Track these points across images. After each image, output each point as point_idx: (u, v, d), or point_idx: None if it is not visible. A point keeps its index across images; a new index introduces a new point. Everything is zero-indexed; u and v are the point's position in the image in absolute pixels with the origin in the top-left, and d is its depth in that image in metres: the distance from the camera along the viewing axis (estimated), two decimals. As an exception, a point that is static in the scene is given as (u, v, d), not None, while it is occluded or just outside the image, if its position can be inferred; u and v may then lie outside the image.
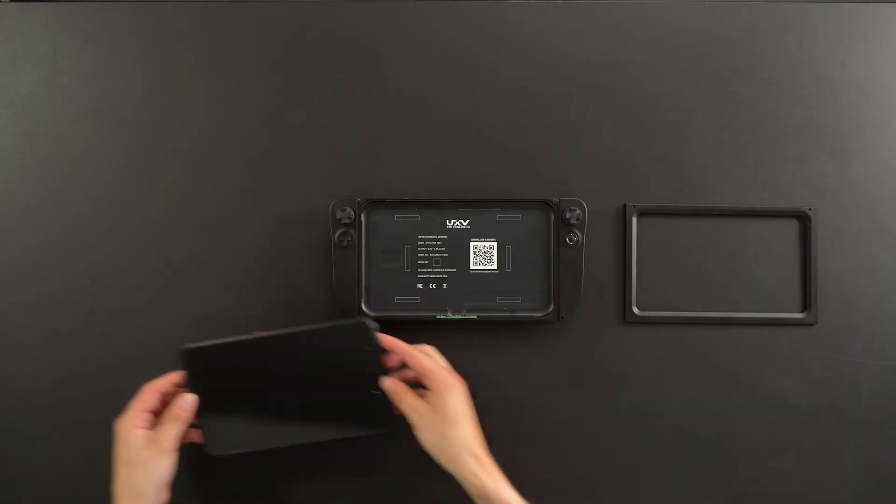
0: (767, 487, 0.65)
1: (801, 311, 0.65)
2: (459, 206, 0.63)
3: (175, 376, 0.58)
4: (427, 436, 0.56)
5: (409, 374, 0.59)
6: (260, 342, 0.58)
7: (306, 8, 0.66)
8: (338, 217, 0.62)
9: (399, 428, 0.58)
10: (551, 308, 0.63)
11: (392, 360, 0.59)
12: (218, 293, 0.64)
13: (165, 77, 0.66)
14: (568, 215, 0.62)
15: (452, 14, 0.66)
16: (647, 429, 0.65)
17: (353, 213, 0.62)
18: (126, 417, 0.56)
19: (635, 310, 0.65)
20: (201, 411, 0.58)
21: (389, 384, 0.58)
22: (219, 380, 0.58)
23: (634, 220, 0.65)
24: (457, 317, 0.63)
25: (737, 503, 0.65)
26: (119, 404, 0.64)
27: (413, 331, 0.64)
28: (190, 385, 0.58)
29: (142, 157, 0.65)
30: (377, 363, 0.58)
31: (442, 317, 0.63)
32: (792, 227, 0.66)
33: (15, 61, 0.65)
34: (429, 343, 0.64)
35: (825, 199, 0.66)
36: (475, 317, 0.63)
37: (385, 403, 0.58)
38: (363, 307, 0.62)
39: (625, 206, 0.65)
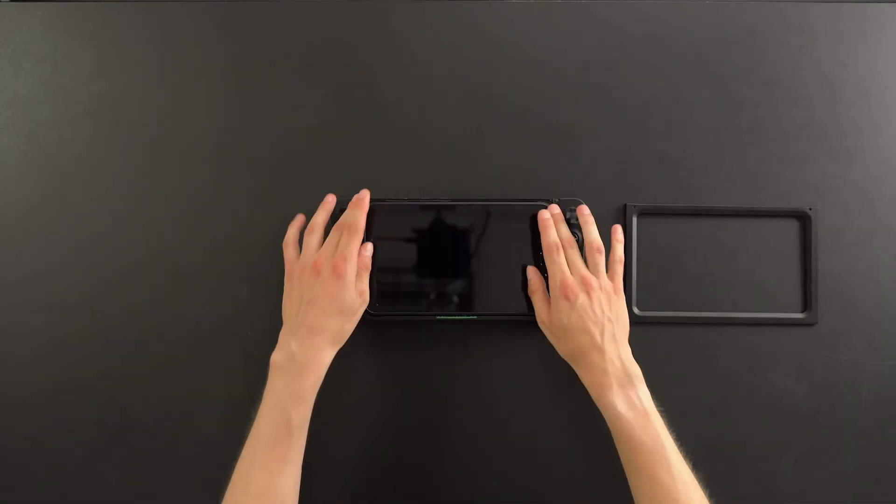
0: (767, 487, 0.65)
1: (801, 311, 0.65)
2: (459, 206, 0.63)
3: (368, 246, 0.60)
4: (546, 334, 0.60)
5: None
6: (441, 208, 0.62)
7: (306, 8, 0.66)
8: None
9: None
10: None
11: None
12: (218, 293, 0.64)
13: (165, 77, 0.66)
14: (568, 215, 0.62)
15: (452, 14, 0.66)
16: (647, 429, 0.65)
17: (353, 213, 0.62)
18: (349, 268, 0.56)
19: (635, 310, 0.65)
20: (371, 269, 0.60)
21: (530, 273, 0.61)
22: (393, 239, 0.61)
23: (634, 219, 0.65)
24: (457, 317, 0.63)
25: (737, 503, 0.65)
26: (119, 404, 0.64)
27: (413, 330, 0.64)
28: (367, 240, 0.61)
29: (141, 157, 0.65)
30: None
31: (442, 317, 0.63)
32: (792, 227, 0.66)
33: (15, 61, 0.65)
34: (427, 343, 0.64)
35: (825, 199, 0.66)
36: (475, 317, 0.63)
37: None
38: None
39: (625, 205, 0.65)
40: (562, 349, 0.59)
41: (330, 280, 0.55)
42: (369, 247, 0.60)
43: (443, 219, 0.62)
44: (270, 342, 0.64)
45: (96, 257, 0.65)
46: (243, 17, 0.66)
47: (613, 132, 0.66)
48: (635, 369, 0.56)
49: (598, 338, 0.56)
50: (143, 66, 0.66)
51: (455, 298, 0.62)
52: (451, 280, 0.62)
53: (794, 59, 0.66)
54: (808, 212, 0.65)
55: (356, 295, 0.57)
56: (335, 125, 0.65)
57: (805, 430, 0.65)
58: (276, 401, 0.54)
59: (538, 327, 0.62)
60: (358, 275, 0.57)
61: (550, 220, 0.60)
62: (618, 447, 0.55)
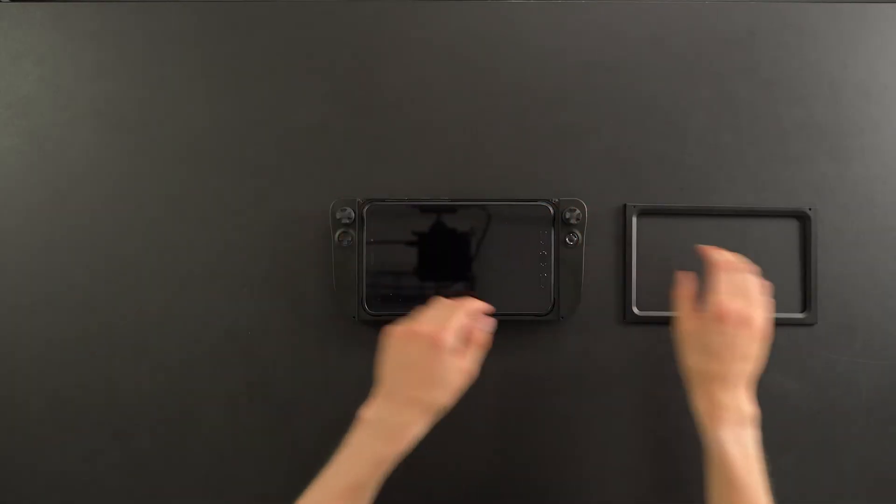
0: (767, 487, 0.65)
1: (801, 311, 0.65)
2: (459, 206, 0.63)
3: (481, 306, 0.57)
4: (678, 341, 0.58)
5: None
6: (441, 208, 0.62)
7: (306, 8, 0.66)
8: (338, 217, 0.62)
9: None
10: (551, 308, 0.63)
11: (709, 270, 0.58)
12: (218, 293, 0.64)
13: (165, 77, 0.66)
14: (568, 215, 0.62)
15: (452, 14, 0.66)
16: (648, 429, 0.65)
17: (353, 213, 0.62)
18: (448, 340, 0.52)
19: (635, 310, 0.65)
20: (370, 269, 0.61)
21: (683, 277, 0.59)
22: (393, 239, 0.62)
23: (634, 219, 0.65)
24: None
25: (737, 503, 0.65)
26: (119, 404, 0.64)
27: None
28: (367, 240, 0.62)
29: (142, 158, 0.65)
30: (550, 247, 0.62)
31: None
32: (792, 227, 0.66)
33: (15, 61, 0.65)
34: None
35: (825, 199, 0.66)
36: (475, 317, 0.63)
37: (551, 289, 0.62)
38: (364, 306, 0.62)
39: (625, 205, 0.65)
40: (687, 362, 0.57)
41: (426, 349, 0.52)
42: (490, 322, 0.57)
43: (443, 219, 0.62)
44: (270, 342, 0.65)
45: (97, 257, 0.65)
46: (243, 18, 0.66)
47: (613, 132, 0.66)
48: (752, 411, 0.55)
49: (730, 373, 0.54)
50: (143, 66, 0.66)
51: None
52: (451, 280, 0.62)
53: (794, 59, 0.66)
54: (808, 212, 0.65)
55: (456, 370, 0.53)
56: (335, 125, 0.65)
57: (805, 430, 0.65)
58: (357, 454, 0.52)
59: (540, 327, 0.62)
60: (466, 350, 0.54)
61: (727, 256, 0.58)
62: (713, 478, 0.54)
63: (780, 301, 0.66)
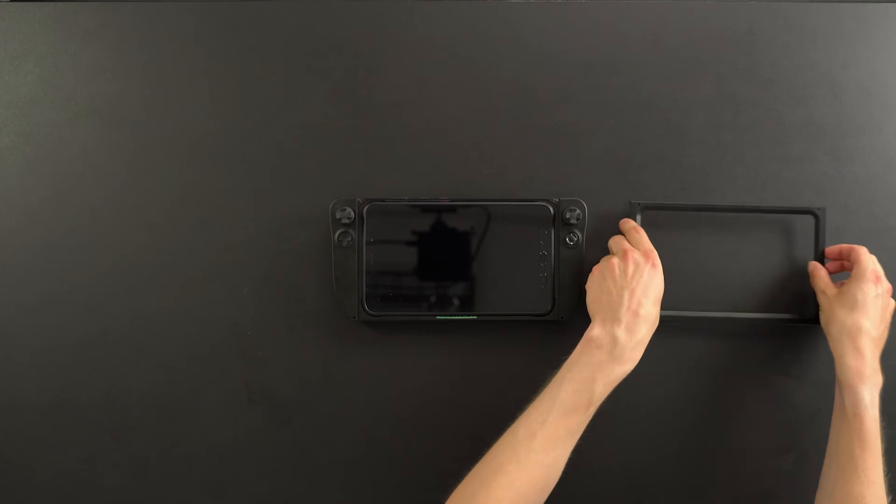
0: (767, 487, 0.65)
1: (800, 312, 0.65)
2: (459, 206, 0.63)
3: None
4: (824, 315, 0.61)
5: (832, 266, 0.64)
6: (441, 208, 0.62)
7: (306, 8, 0.66)
8: (338, 217, 0.62)
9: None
10: (551, 308, 0.63)
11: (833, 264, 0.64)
12: (218, 293, 0.64)
13: (165, 77, 0.65)
14: (568, 215, 0.62)
15: (452, 14, 0.66)
16: (647, 429, 0.65)
17: (353, 213, 0.62)
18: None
19: (635, 310, 0.64)
20: (370, 269, 0.62)
21: (811, 267, 0.64)
22: (392, 239, 0.62)
23: (639, 217, 0.64)
24: (457, 317, 0.63)
25: (737, 503, 0.65)
26: (119, 404, 0.64)
27: (413, 330, 0.64)
28: (367, 240, 0.62)
29: (142, 158, 0.65)
30: (550, 247, 0.62)
31: (442, 317, 0.63)
32: (792, 226, 0.66)
33: (15, 61, 0.65)
34: (428, 343, 0.65)
35: (826, 198, 0.66)
36: (475, 317, 0.63)
37: (551, 289, 0.62)
38: (364, 307, 0.62)
39: (629, 202, 0.65)
40: (836, 322, 0.59)
41: (650, 270, 0.58)
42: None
43: (443, 219, 0.62)
44: (270, 342, 0.65)
45: (97, 257, 0.65)
46: (244, 18, 0.66)
47: (613, 132, 0.66)
48: (882, 380, 0.58)
49: (877, 332, 0.58)
50: (143, 66, 0.66)
51: (455, 299, 0.63)
52: (451, 280, 0.63)
53: (795, 58, 0.66)
54: (817, 211, 0.64)
55: (662, 284, 0.59)
56: (335, 125, 0.65)
57: (805, 430, 0.65)
58: (587, 374, 0.54)
59: (539, 327, 0.62)
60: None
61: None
62: (842, 431, 0.56)
63: (780, 301, 0.66)
